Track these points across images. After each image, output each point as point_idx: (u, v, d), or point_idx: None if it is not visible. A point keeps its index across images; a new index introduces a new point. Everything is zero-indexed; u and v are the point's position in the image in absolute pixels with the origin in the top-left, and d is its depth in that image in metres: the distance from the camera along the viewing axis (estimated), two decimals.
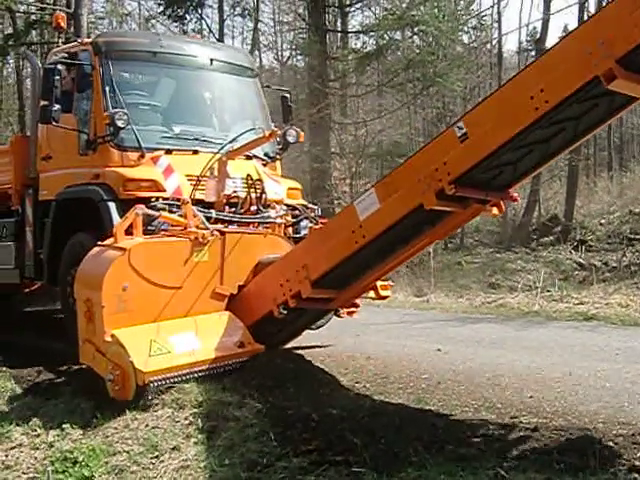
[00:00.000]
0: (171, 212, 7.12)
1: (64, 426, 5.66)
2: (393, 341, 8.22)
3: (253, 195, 7.86)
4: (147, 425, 5.41)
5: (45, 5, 21.70)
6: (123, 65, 8.51)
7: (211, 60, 9.00)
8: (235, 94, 9.53)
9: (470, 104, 26.98)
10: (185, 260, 6.62)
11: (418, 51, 23.04)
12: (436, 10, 21.60)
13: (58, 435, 5.51)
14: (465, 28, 24.56)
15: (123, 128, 7.85)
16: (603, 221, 19.17)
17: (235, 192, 7.89)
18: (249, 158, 8.47)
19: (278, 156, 9.22)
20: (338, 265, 6.26)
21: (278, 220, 7.82)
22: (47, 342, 9.28)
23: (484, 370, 7.04)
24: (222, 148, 7.94)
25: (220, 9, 25.99)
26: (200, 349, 6.24)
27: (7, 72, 32.49)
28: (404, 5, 21.99)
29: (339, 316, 8.13)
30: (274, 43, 33.75)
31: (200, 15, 26.33)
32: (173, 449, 5.02)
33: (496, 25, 28.28)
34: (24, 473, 5.13)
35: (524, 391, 6.19)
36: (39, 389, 6.88)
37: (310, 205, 8.90)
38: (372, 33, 23.44)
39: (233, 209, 7.78)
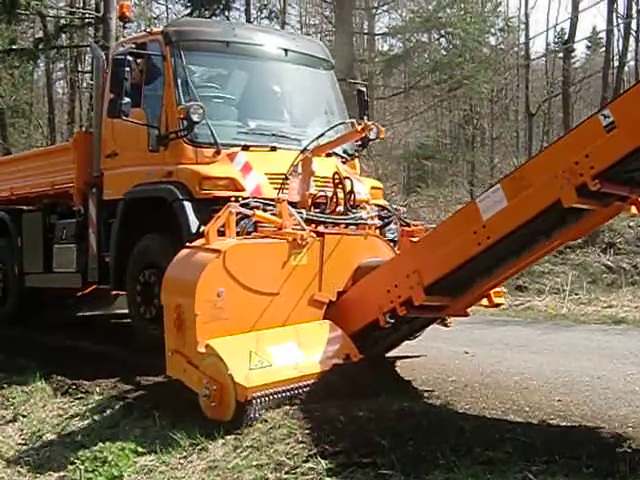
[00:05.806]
0: (264, 211, 6.59)
1: (94, 426, 5.73)
2: (420, 343, 8.17)
3: (340, 194, 7.09)
4: (175, 425, 5.44)
5: (75, 9, 21.97)
6: (195, 56, 8.06)
7: (286, 51, 8.51)
8: (312, 87, 9.00)
9: (497, 106, 26.89)
10: (283, 263, 6.03)
11: (445, 53, 23.07)
12: (463, 12, 21.61)
13: (88, 435, 5.57)
14: (492, 30, 24.48)
15: (198, 122, 7.40)
16: (632, 223, 18.90)
17: (323, 191, 7.20)
18: (329, 155, 7.91)
19: (357, 153, 8.81)
20: (456, 269, 5.72)
21: (370, 221, 7.20)
22: (78, 343, 9.37)
23: (512, 373, 6.99)
24: (310, 144, 7.29)
25: (247, 12, 26.08)
26: (304, 362, 5.71)
27: (37, 76, 32.84)
28: (431, 7, 22.02)
29: (446, 325, 7.44)
30: None
31: (227, 17, 26.37)
32: (201, 450, 5.04)
33: (523, 27, 28.07)
34: (55, 472, 5.21)
35: (552, 395, 6.13)
36: (70, 389, 6.94)
37: (396, 206, 8.45)
38: (399, 35, 23.50)
39: (318, 209, 7.07)
